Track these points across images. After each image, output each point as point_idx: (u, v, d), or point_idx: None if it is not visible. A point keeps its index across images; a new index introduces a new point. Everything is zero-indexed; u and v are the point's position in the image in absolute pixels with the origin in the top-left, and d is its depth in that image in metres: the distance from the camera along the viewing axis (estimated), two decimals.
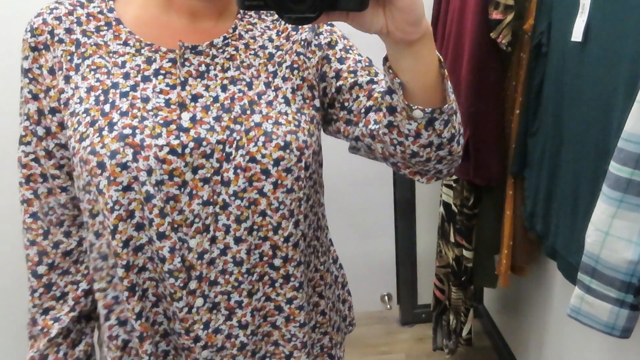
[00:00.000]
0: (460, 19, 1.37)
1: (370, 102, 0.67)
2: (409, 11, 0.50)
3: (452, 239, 1.59)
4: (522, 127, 1.29)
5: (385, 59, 0.57)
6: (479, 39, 1.26)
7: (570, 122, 1.09)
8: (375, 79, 0.69)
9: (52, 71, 0.64)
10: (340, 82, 0.69)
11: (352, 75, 0.69)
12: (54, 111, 0.65)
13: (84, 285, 0.71)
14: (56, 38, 0.64)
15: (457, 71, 1.38)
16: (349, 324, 0.86)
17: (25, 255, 0.69)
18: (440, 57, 0.57)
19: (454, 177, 1.54)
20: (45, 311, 0.69)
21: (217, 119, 0.62)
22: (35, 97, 0.65)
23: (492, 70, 1.29)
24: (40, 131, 0.66)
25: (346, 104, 0.69)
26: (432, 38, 0.55)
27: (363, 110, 0.67)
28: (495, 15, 1.21)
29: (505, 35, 1.22)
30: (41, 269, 0.69)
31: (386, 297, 2.20)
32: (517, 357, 1.79)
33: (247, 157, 0.62)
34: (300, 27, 0.70)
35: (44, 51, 0.64)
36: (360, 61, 0.70)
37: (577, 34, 1.02)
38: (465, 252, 1.55)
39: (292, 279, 0.69)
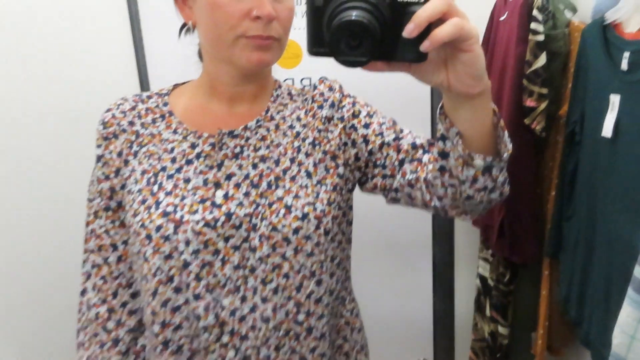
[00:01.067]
0: (498, 100, 1.42)
1: (402, 155, 0.75)
2: (472, 65, 0.52)
3: (487, 314, 1.58)
4: (557, 210, 1.30)
5: (441, 108, 0.60)
6: (514, 123, 1.30)
7: (602, 214, 1.10)
8: (401, 135, 0.77)
9: (120, 154, 0.78)
10: (370, 146, 0.77)
11: (380, 137, 0.77)
12: (123, 187, 0.78)
13: (141, 342, 0.81)
14: (121, 128, 0.78)
15: None
16: (365, 355, 0.92)
17: (93, 313, 0.80)
18: (495, 108, 0.60)
19: (490, 251, 1.55)
20: None
21: (247, 194, 0.73)
22: (107, 178, 0.78)
23: (527, 154, 1.32)
24: (113, 205, 0.79)
25: (379, 162, 0.77)
26: (490, 92, 0.58)
27: (396, 163, 0.75)
28: (529, 102, 1.25)
29: (539, 122, 1.26)
30: (110, 326, 0.80)
31: None
32: None
33: (270, 227, 0.71)
34: (324, 99, 0.80)
35: (113, 139, 0.78)
36: (384, 123, 0.78)
37: (607, 130, 1.04)
38: (500, 329, 1.53)
39: (314, 330, 0.76)
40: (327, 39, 0.50)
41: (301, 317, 0.75)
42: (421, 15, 0.48)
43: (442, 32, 0.49)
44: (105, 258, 0.79)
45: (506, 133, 0.61)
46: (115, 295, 0.80)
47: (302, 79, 1.67)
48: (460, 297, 2.05)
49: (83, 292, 0.81)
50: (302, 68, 1.66)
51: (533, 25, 1.23)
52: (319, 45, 0.52)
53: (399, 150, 0.75)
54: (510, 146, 0.61)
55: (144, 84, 1.65)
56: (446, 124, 0.60)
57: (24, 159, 1.49)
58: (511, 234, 1.38)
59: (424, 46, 0.49)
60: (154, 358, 0.75)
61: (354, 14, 0.48)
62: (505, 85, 1.36)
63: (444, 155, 0.63)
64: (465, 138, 0.60)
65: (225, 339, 0.72)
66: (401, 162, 0.75)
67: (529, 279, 1.49)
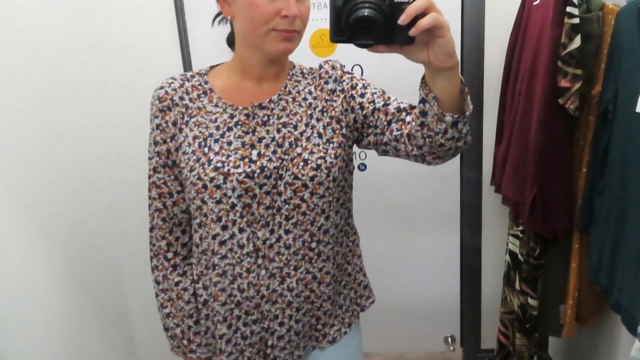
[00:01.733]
0: (530, 81, 1.48)
1: (389, 117, 0.94)
2: (445, 46, 0.73)
3: (517, 287, 1.66)
4: (589, 186, 1.37)
5: (423, 79, 0.80)
6: (547, 103, 1.37)
7: (636, 186, 1.17)
8: (388, 102, 0.97)
9: (174, 124, 0.98)
10: (364, 111, 0.98)
11: (372, 104, 0.97)
12: (177, 150, 0.98)
13: (195, 267, 1.04)
14: (174, 102, 0.98)
15: (525, 129, 1.48)
16: (368, 288, 1.16)
17: (157, 246, 1.05)
18: (462, 78, 0.80)
19: (521, 227, 1.62)
20: (177, 284, 1.05)
21: (274, 152, 0.95)
22: (164, 142, 0.99)
23: (560, 132, 1.39)
24: (169, 162, 0.99)
25: (371, 123, 0.98)
26: (459, 66, 0.78)
27: (385, 123, 0.95)
28: (563, 83, 1.32)
29: (573, 102, 1.32)
30: (169, 255, 1.05)
31: (449, 339, 2.25)
32: None
33: (292, 176, 0.94)
34: (329, 76, 1.01)
35: (167, 111, 0.98)
36: (375, 92, 0.99)
37: None
38: (530, 300, 1.61)
39: (322, 254, 1.00)
40: (345, 29, 0.71)
41: (313, 244, 0.98)
42: (410, 9, 0.69)
43: (424, 22, 0.70)
44: (164, 203, 1.02)
45: (469, 97, 0.81)
46: (171, 232, 1.04)
47: None
48: (487, 276, 2.13)
49: (151, 229, 1.05)
50: (337, 55, 1.76)
51: (569, 9, 1.29)
52: (338, 34, 0.73)
53: (387, 113, 0.95)
54: (471, 106, 0.81)
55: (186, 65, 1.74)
56: (426, 90, 0.80)
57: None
58: (543, 209, 1.45)
59: (412, 32, 0.70)
60: (206, 271, 1.00)
61: (366, 12, 0.70)
62: (539, 68, 1.42)
63: (423, 114, 0.83)
64: (440, 101, 0.79)
65: (259, 261, 0.96)
66: (389, 122, 0.94)
67: (558, 254, 1.56)
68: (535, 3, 1.50)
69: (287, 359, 1.04)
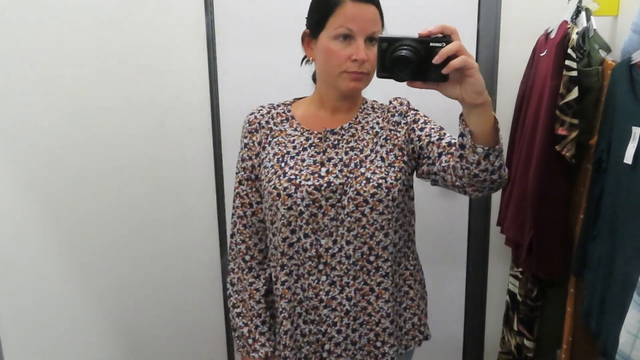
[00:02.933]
0: (534, 127, 1.55)
1: (441, 150, 1.06)
2: (475, 85, 0.83)
3: (515, 327, 1.68)
4: (584, 231, 1.41)
5: (461, 115, 0.91)
6: (546, 149, 1.43)
7: (623, 234, 1.21)
8: (442, 137, 1.08)
9: (259, 143, 1.15)
10: (421, 143, 1.10)
11: (428, 137, 1.09)
12: (260, 165, 1.15)
13: (268, 270, 1.19)
14: (260, 125, 1.16)
15: (526, 173, 1.54)
16: (425, 315, 1.26)
17: (237, 249, 1.19)
18: (495, 116, 0.90)
19: (520, 269, 1.66)
20: (250, 284, 1.18)
21: (341, 170, 1.09)
22: (250, 158, 1.16)
23: (557, 178, 1.44)
24: (253, 176, 1.16)
25: (426, 154, 1.10)
26: (491, 104, 0.88)
27: (436, 155, 1.06)
28: (560, 131, 1.38)
29: (569, 150, 1.38)
30: (247, 258, 1.19)
31: None
32: None
33: (355, 192, 1.07)
34: (395, 110, 1.16)
35: (255, 133, 1.16)
36: (433, 128, 1.11)
37: (628, 158, 1.16)
38: (526, 342, 1.63)
39: (381, 270, 1.10)
40: (388, 67, 0.86)
41: (372, 258, 1.09)
42: (443, 51, 0.81)
43: (454, 62, 0.81)
44: (244, 212, 1.18)
45: (500, 132, 0.91)
46: (250, 237, 1.18)
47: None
48: (491, 316, 2.14)
49: (232, 235, 1.20)
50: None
51: (567, 62, 1.36)
52: (383, 70, 0.87)
53: (439, 146, 1.06)
54: (502, 141, 0.92)
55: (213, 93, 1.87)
56: (463, 125, 0.91)
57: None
58: (539, 251, 1.49)
59: (444, 70, 0.82)
60: (276, 276, 1.12)
61: (403, 52, 0.84)
62: (540, 115, 1.49)
63: (462, 147, 0.93)
64: (474, 134, 0.90)
65: (320, 267, 1.09)
66: (439, 155, 1.05)
67: (555, 297, 1.59)
68: (542, 54, 1.58)
69: None
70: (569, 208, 1.52)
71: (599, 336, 1.30)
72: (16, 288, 1.26)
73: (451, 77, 0.84)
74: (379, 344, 1.13)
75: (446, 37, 0.83)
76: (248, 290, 1.18)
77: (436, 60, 0.82)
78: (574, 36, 1.38)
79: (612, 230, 1.27)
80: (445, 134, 1.10)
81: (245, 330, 1.18)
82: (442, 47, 0.82)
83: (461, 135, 0.93)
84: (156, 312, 1.92)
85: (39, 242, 1.40)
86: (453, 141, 1.04)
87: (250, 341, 1.18)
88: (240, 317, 1.19)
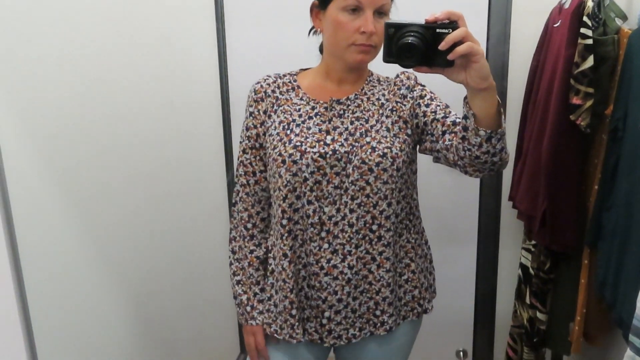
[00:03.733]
0: (547, 98, 1.53)
1: (445, 128, 1.07)
2: (479, 70, 0.86)
3: (527, 301, 1.68)
4: (599, 202, 1.40)
5: (465, 98, 0.93)
6: (560, 119, 1.41)
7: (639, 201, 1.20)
8: (447, 115, 1.09)
9: (265, 112, 1.15)
10: (425, 119, 1.11)
11: (433, 114, 1.10)
12: (265, 134, 1.15)
13: (270, 240, 1.19)
14: (266, 94, 1.16)
15: (540, 144, 1.53)
16: (433, 291, 1.29)
17: (239, 217, 1.21)
18: (499, 100, 0.92)
19: (533, 242, 1.65)
20: (251, 252, 1.20)
21: (346, 139, 1.09)
22: (254, 127, 1.16)
23: (571, 149, 1.43)
24: (257, 145, 1.17)
25: (429, 131, 1.10)
26: (495, 89, 0.90)
27: (440, 133, 1.07)
28: (575, 100, 1.37)
29: (584, 119, 1.36)
30: (249, 226, 1.21)
31: (461, 353, 2.27)
32: None
33: (360, 161, 1.07)
34: (402, 83, 1.17)
35: (260, 102, 1.16)
36: (439, 105, 1.12)
37: None
38: (539, 315, 1.63)
39: (382, 239, 1.11)
40: (394, 52, 0.87)
41: (374, 227, 1.10)
42: (449, 37, 0.83)
43: (460, 48, 0.83)
44: (248, 180, 1.18)
45: (503, 117, 0.94)
46: (252, 205, 1.19)
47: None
48: (502, 291, 2.15)
49: (234, 204, 1.22)
50: None
51: (582, 30, 1.34)
52: (389, 56, 0.89)
53: (443, 124, 1.08)
54: (504, 124, 0.95)
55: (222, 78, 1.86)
56: (467, 108, 0.93)
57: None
58: (552, 223, 1.49)
59: (450, 56, 0.84)
60: (280, 242, 1.12)
61: (409, 39, 0.85)
62: (555, 85, 1.47)
63: (465, 128, 0.95)
64: (477, 117, 0.92)
65: (323, 234, 1.10)
66: (443, 133, 1.07)
67: (569, 269, 1.58)
68: (555, 25, 1.55)
69: (342, 334, 1.15)
70: (582, 179, 1.50)
71: (614, 306, 1.30)
72: (46, 278, 1.27)
73: (457, 63, 0.85)
74: (378, 312, 1.14)
75: (452, 23, 0.84)
76: (248, 258, 1.20)
77: (442, 46, 0.83)
78: (590, 4, 1.36)
79: (628, 199, 1.26)
80: (450, 112, 1.11)
81: (244, 297, 1.20)
82: (448, 33, 0.83)
83: (464, 117, 0.95)
84: (170, 290, 1.94)
85: (55, 210, 1.40)
86: (458, 120, 1.05)
87: (248, 309, 1.20)
88: (240, 285, 1.21)
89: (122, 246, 1.57)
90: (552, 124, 1.44)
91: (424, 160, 1.24)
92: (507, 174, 1.95)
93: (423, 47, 0.85)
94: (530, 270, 1.67)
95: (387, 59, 0.89)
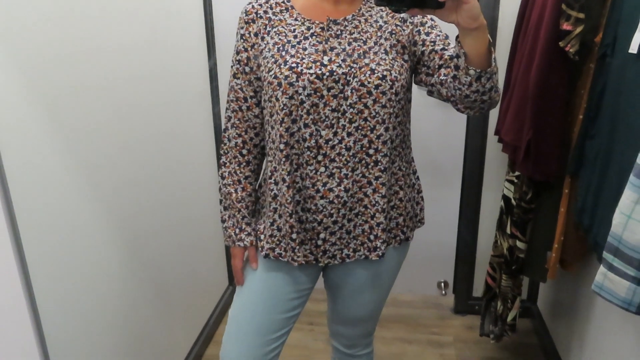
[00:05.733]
0: (537, 27, 1.51)
1: (441, 62, 1.07)
2: (470, 10, 0.87)
3: (508, 231, 1.72)
4: (583, 131, 1.40)
5: (457, 37, 0.96)
6: (549, 47, 1.39)
7: (622, 126, 1.20)
8: (446, 47, 1.09)
9: (256, 34, 1.12)
10: (424, 48, 1.10)
11: (432, 44, 1.09)
12: (256, 57, 1.12)
13: (262, 166, 1.22)
14: (258, 15, 1.12)
15: (528, 74, 1.52)
16: (418, 221, 1.29)
17: (233, 143, 1.18)
18: (490, 39, 0.93)
19: (516, 173, 1.68)
20: (246, 178, 1.20)
21: (344, 60, 1.05)
22: (245, 50, 1.13)
23: (558, 76, 1.42)
24: (247, 69, 1.13)
25: (426, 62, 1.10)
26: (486, 28, 0.92)
27: (436, 66, 1.08)
28: (565, 26, 1.35)
29: (573, 45, 1.35)
30: (244, 152, 1.19)
31: (442, 284, 2.35)
32: (560, 354, 1.87)
33: (359, 83, 1.04)
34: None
35: (251, 23, 1.12)
36: (439, 35, 1.11)
37: (634, 47, 1.14)
38: (518, 243, 1.68)
39: (379, 164, 1.10)
40: None
41: (371, 151, 1.09)
42: None
43: None
44: (240, 106, 1.16)
45: (493, 55, 0.96)
46: (246, 131, 1.18)
47: None
48: (484, 227, 2.20)
49: (225, 130, 1.20)
50: None
51: None
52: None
53: (441, 57, 1.07)
54: (495, 64, 0.96)
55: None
56: (458, 47, 0.95)
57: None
58: (536, 153, 1.50)
59: None
60: (278, 167, 1.11)
61: None
62: (546, 12, 1.45)
63: (456, 67, 0.98)
64: (468, 57, 0.94)
65: (319, 158, 1.08)
66: (439, 66, 1.07)
67: (549, 199, 1.61)
68: None
69: (336, 254, 1.16)
70: (569, 110, 1.51)
71: (591, 231, 1.33)
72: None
73: (447, 4, 0.87)
74: (372, 237, 1.15)
75: None
76: (242, 183, 1.20)
77: None
78: None
79: (611, 127, 1.26)
80: (449, 44, 1.10)
81: (233, 221, 1.21)
82: None
83: (456, 56, 0.97)
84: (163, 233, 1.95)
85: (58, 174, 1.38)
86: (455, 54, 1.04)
87: (237, 231, 1.21)
88: (229, 209, 1.21)
89: (118, 187, 1.55)
90: (541, 53, 1.42)
91: (413, 95, 1.22)
92: (494, 111, 1.95)
93: None
94: (512, 201, 1.70)
95: (379, 2, 0.89)
